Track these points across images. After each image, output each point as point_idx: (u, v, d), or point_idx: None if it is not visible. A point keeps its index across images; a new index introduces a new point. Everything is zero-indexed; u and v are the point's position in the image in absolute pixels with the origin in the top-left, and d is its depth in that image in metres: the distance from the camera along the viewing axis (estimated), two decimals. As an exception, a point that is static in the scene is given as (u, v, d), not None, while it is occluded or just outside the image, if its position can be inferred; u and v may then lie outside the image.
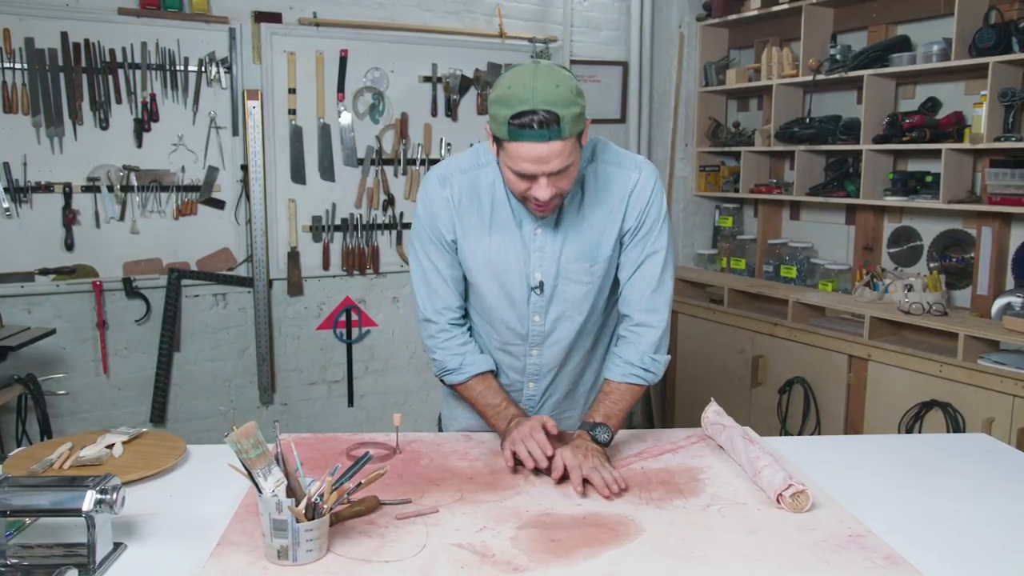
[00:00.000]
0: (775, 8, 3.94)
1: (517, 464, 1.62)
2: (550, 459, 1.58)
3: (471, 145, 1.86)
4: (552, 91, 1.47)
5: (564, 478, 1.57)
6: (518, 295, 1.76)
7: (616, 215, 1.72)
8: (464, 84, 3.98)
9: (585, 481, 1.54)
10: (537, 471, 1.60)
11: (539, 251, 1.72)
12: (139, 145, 3.42)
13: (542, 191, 1.54)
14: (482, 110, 4.04)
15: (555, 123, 1.46)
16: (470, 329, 1.86)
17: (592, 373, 1.94)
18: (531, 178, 1.54)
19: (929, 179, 3.38)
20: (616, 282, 1.81)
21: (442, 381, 1.87)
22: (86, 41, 3.27)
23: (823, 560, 1.29)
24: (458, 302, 1.80)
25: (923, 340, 3.25)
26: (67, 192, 3.30)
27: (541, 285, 1.74)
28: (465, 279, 1.80)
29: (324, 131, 3.76)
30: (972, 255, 3.35)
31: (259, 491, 1.26)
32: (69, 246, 3.33)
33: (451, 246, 1.75)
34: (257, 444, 1.26)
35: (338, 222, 3.83)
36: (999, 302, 3.14)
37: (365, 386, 4.02)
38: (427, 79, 3.93)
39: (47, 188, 3.28)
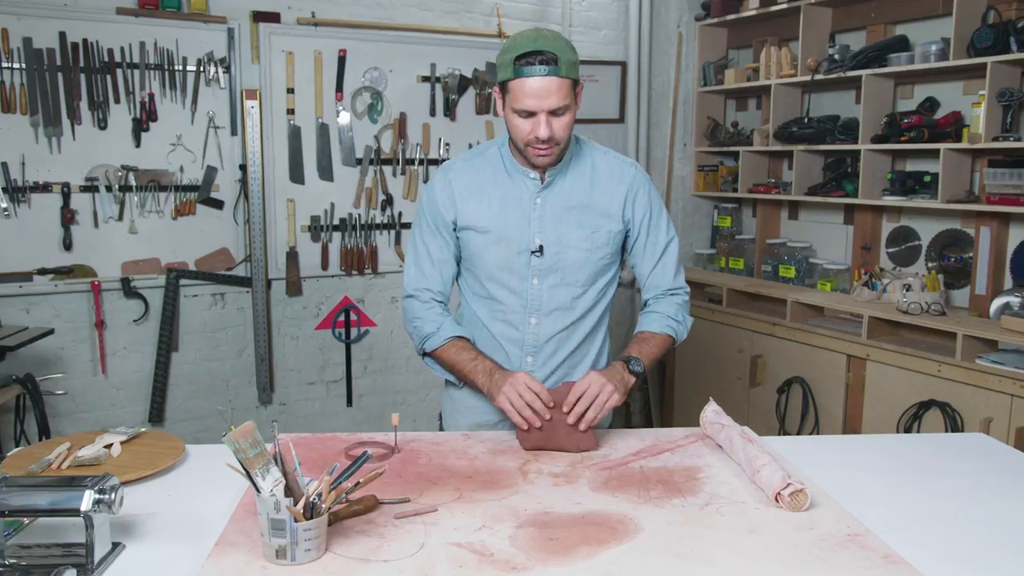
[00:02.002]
0: (773, 8, 3.94)
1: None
2: (555, 428, 1.72)
3: (470, 146, 1.92)
4: (552, 40, 1.71)
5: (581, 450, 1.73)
6: (519, 258, 1.87)
7: (617, 197, 1.89)
8: (463, 84, 3.98)
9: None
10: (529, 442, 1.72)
11: (539, 219, 1.86)
12: (137, 145, 3.42)
13: (542, 128, 1.70)
14: (481, 110, 4.04)
15: (554, 62, 1.66)
16: (448, 311, 1.98)
17: (589, 363, 1.98)
18: (532, 117, 1.71)
19: (927, 179, 3.39)
20: (613, 263, 1.95)
21: (423, 355, 1.94)
22: (84, 41, 3.27)
23: (821, 559, 1.29)
24: (440, 286, 1.93)
25: (921, 340, 3.25)
26: (65, 192, 3.30)
27: (541, 248, 1.86)
28: (458, 264, 1.96)
29: (323, 131, 3.76)
30: (970, 255, 3.35)
31: (257, 491, 1.25)
32: (67, 246, 3.33)
33: (448, 227, 1.90)
34: (255, 444, 1.26)
35: (337, 222, 3.83)
36: (997, 302, 3.14)
37: (364, 386, 4.02)
38: (425, 79, 3.93)
39: (45, 188, 3.27)
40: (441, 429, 2.11)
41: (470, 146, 1.66)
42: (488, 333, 1.94)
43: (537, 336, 1.91)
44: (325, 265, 3.84)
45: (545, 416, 1.71)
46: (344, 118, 3.78)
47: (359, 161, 3.84)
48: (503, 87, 1.74)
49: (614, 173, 1.90)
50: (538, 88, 1.67)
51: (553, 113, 1.71)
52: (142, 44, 3.37)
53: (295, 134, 3.70)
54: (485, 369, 1.81)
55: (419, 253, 1.94)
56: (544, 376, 1.92)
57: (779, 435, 3.61)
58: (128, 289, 3.46)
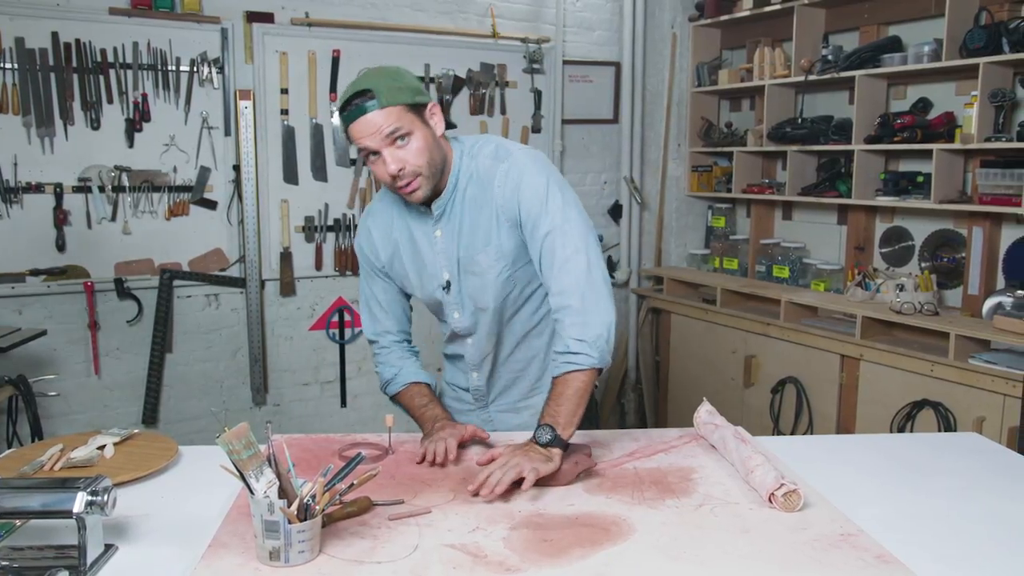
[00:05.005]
0: (767, 8, 3.95)
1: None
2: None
3: None
4: (366, 78, 1.66)
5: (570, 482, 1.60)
6: (436, 295, 1.88)
7: (494, 205, 1.75)
8: (457, 84, 3.98)
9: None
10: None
11: (442, 252, 1.83)
12: (131, 145, 3.41)
13: (389, 164, 1.64)
14: (475, 110, 4.04)
15: (369, 96, 1.62)
16: (413, 350, 2.00)
17: (535, 366, 1.95)
18: (378, 155, 1.65)
19: (920, 179, 3.39)
20: (522, 273, 1.82)
21: (389, 397, 1.99)
22: (77, 41, 3.26)
23: (815, 559, 1.29)
24: (397, 326, 1.96)
25: (914, 340, 3.26)
26: (58, 192, 3.29)
27: (448, 284, 1.84)
28: (409, 297, 1.97)
29: (316, 131, 3.75)
30: (963, 255, 3.36)
31: (251, 492, 1.25)
32: (60, 247, 3.32)
33: (382, 272, 1.92)
34: (249, 445, 1.26)
35: (331, 222, 3.83)
36: (990, 302, 3.15)
37: (358, 387, 4.01)
38: (420, 79, 3.92)
39: (38, 188, 3.26)
40: None
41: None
42: (448, 350, 2.03)
43: (474, 355, 1.93)
44: (319, 266, 3.84)
45: (439, 458, 1.68)
46: (338, 119, 3.77)
47: (353, 162, 3.83)
48: (350, 141, 1.71)
49: (488, 175, 1.75)
50: (363, 128, 1.63)
51: (394, 144, 1.63)
52: (135, 44, 3.36)
53: (289, 134, 3.70)
54: (431, 417, 1.84)
55: (368, 299, 1.96)
56: (490, 384, 1.97)
57: (773, 435, 3.61)
58: (121, 290, 3.45)
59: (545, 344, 1.93)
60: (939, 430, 3.02)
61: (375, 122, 1.62)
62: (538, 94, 4.20)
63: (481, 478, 1.51)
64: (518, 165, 1.74)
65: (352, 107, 1.63)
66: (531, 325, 1.90)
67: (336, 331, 3.93)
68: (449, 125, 4.00)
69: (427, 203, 1.77)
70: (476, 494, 1.49)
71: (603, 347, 1.68)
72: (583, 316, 1.67)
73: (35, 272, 3.30)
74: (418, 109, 1.66)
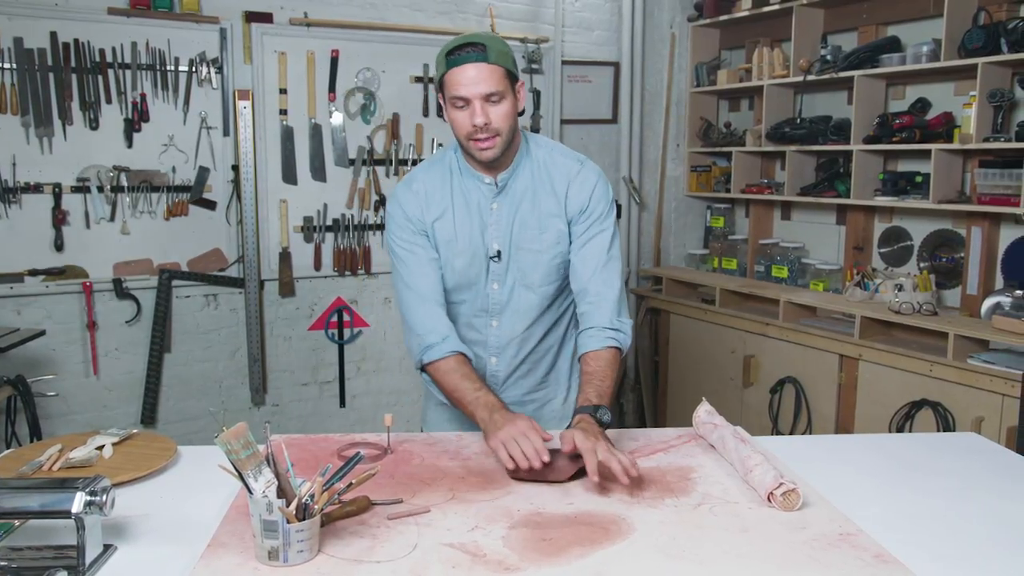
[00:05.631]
0: (766, 9, 3.95)
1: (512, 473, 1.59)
2: (545, 464, 1.55)
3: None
4: (482, 35, 1.75)
5: (570, 478, 1.57)
6: (479, 264, 1.89)
7: (560, 197, 1.88)
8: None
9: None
10: (516, 475, 1.57)
11: (495, 224, 1.87)
12: (129, 145, 3.40)
13: (478, 115, 1.71)
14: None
15: (483, 49, 1.70)
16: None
17: (549, 358, 2.01)
18: (468, 107, 1.72)
19: (919, 179, 3.40)
20: (566, 263, 1.92)
21: (422, 370, 1.86)
22: (76, 41, 3.26)
23: (814, 559, 1.29)
24: (441, 286, 1.89)
25: (913, 340, 3.26)
26: (57, 193, 3.28)
27: (499, 254, 1.88)
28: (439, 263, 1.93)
29: (315, 131, 3.75)
30: (962, 255, 3.37)
31: (250, 492, 1.25)
32: (59, 247, 3.32)
33: (425, 234, 1.89)
34: (247, 445, 1.26)
35: (329, 222, 3.83)
36: (988, 302, 3.15)
37: (357, 387, 4.01)
38: (418, 79, 3.92)
39: (36, 189, 3.26)
40: (421, 430, 2.12)
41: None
42: (464, 334, 1.94)
43: (499, 338, 1.94)
44: (318, 266, 3.84)
45: (536, 465, 1.55)
46: (337, 118, 3.78)
47: (352, 162, 3.83)
48: (441, 85, 1.77)
49: (560, 170, 1.88)
50: (469, 75, 1.70)
51: (488, 101, 1.72)
52: (134, 44, 3.36)
53: (288, 134, 3.70)
54: (488, 404, 1.70)
55: (407, 262, 1.87)
56: (508, 372, 1.98)
57: (772, 435, 3.61)
58: (120, 290, 3.44)
59: (561, 337, 2.01)
60: (938, 430, 3.02)
61: (480, 75, 1.69)
62: (537, 94, 4.20)
63: (613, 470, 1.49)
64: (595, 173, 1.91)
65: (461, 53, 1.70)
66: (558, 315, 1.98)
67: (335, 331, 3.93)
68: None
69: (489, 171, 1.84)
70: (601, 483, 1.51)
71: (631, 336, 1.87)
72: (620, 304, 1.87)
73: (34, 272, 3.29)
74: (512, 78, 1.76)
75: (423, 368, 1.85)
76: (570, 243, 1.89)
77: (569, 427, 1.65)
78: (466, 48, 1.70)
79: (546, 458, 1.55)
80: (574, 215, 1.88)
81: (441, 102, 1.80)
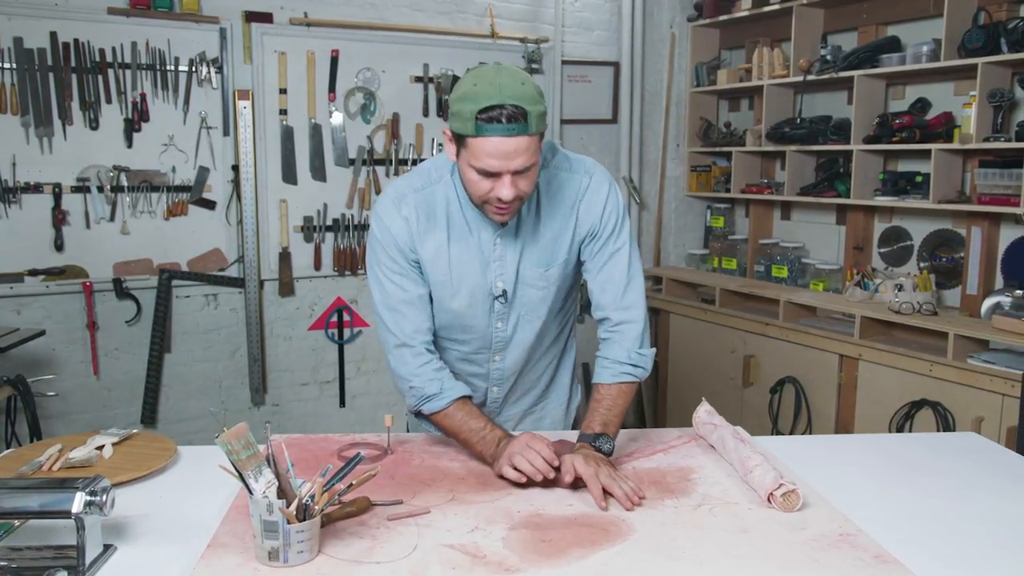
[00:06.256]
0: (766, 9, 3.95)
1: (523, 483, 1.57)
2: (556, 469, 1.54)
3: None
4: (518, 88, 1.48)
5: (576, 484, 1.55)
6: (481, 305, 1.75)
7: (569, 220, 1.72)
8: (455, 84, 3.97)
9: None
10: (531, 482, 1.55)
11: (499, 260, 1.71)
12: (129, 145, 3.40)
13: (505, 190, 1.51)
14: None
15: (523, 118, 1.46)
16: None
17: (549, 370, 1.95)
18: (494, 177, 1.51)
19: (919, 179, 3.40)
20: (571, 284, 1.84)
21: (418, 415, 1.80)
22: (76, 41, 3.25)
23: (814, 559, 1.29)
24: (428, 323, 1.73)
25: (913, 340, 3.26)
26: (57, 192, 3.28)
27: (504, 294, 1.74)
28: (430, 298, 1.75)
29: (315, 131, 3.75)
30: (962, 255, 3.37)
31: (250, 492, 1.25)
32: (59, 247, 3.32)
33: (415, 265, 1.71)
34: (248, 445, 1.26)
35: (329, 222, 3.83)
36: (988, 301, 3.15)
37: (357, 387, 4.01)
38: (418, 79, 3.92)
39: (36, 188, 3.26)
40: (407, 429, 2.06)
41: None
42: (450, 366, 1.81)
43: (503, 371, 1.85)
44: (318, 266, 3.84)
45: (549, 475, 1.53)
46: (337, 118, 3.78)
47: (352, 161, 3.83)
48: (459, 139, 1.52)
49: (567, 190, 1.71)
50: (505, 150, 1.46)
51: (517, 172, 1.50)
52: (134, 44, 3.36)
53: (288, 134, 3.70)
54: (493, 440, 1.63)
55: (391, 296, 1.70)
56: (509, 395, 1.92)
57: (772, 435, 3.61)
58: (120, 290, 3.44)
59: (560, 351, 1.94)
60: (938, 430, 3.02)
61: (518, 149, 1.47)
62: (537, 94, 4.19)
63: (615, 496, 1.47)
64: (605, 183, 1.73)
65: (498, 121, 1.45)
66: (556, 332, 1.89)
67: (335, 331, 3.93)
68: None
69: None
70: (605, 508, 1.47)
71: (651, 365, 1.77)
72: (644, 333, 1.75)
73: (33, 272, 3.29)
74: (543, 133, 1.54)
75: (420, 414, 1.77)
76: (579, 260, 1.77)
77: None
78: (502, 113, 1.44)
79: (556, 462, 1.54)
80: (585, 235, 1.73)
81: (449, 144, 1.58)
